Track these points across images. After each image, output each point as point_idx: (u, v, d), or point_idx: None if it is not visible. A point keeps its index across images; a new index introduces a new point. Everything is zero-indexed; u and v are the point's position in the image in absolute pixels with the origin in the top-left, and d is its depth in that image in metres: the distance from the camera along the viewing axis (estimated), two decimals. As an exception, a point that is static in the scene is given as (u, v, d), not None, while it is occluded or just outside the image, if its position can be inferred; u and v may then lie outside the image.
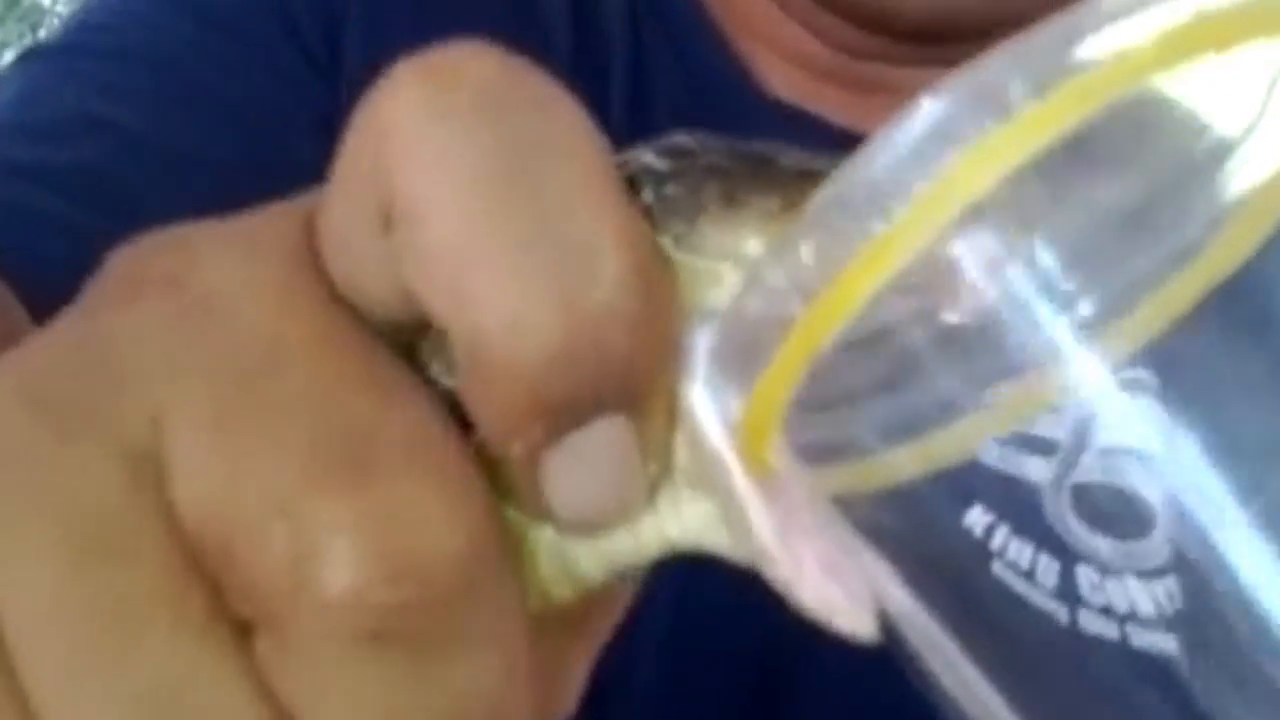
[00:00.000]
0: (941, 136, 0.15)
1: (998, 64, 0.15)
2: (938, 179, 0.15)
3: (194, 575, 0.17)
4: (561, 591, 0.19)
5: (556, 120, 0.18)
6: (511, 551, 0.18)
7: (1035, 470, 0.49)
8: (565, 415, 0.17)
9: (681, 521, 0.18)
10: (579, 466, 0.17)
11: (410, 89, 0.18)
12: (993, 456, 0.18)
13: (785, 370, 0.16)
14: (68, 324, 0.19)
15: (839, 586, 0.18)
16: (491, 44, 0.55)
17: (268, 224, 0.19)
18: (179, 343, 0.18)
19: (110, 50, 0.49)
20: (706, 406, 0.18)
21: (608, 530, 0.18)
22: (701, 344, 0.18)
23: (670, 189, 0.18)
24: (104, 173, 0.45)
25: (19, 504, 0.17)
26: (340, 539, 0.16)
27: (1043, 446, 0.51)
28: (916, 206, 0.15)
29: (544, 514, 0.18)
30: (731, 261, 0.18)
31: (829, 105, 0.53)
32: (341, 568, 0.16)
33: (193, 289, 0.18)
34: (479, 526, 0.17)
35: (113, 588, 0.17)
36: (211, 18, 0.50)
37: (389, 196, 0.18)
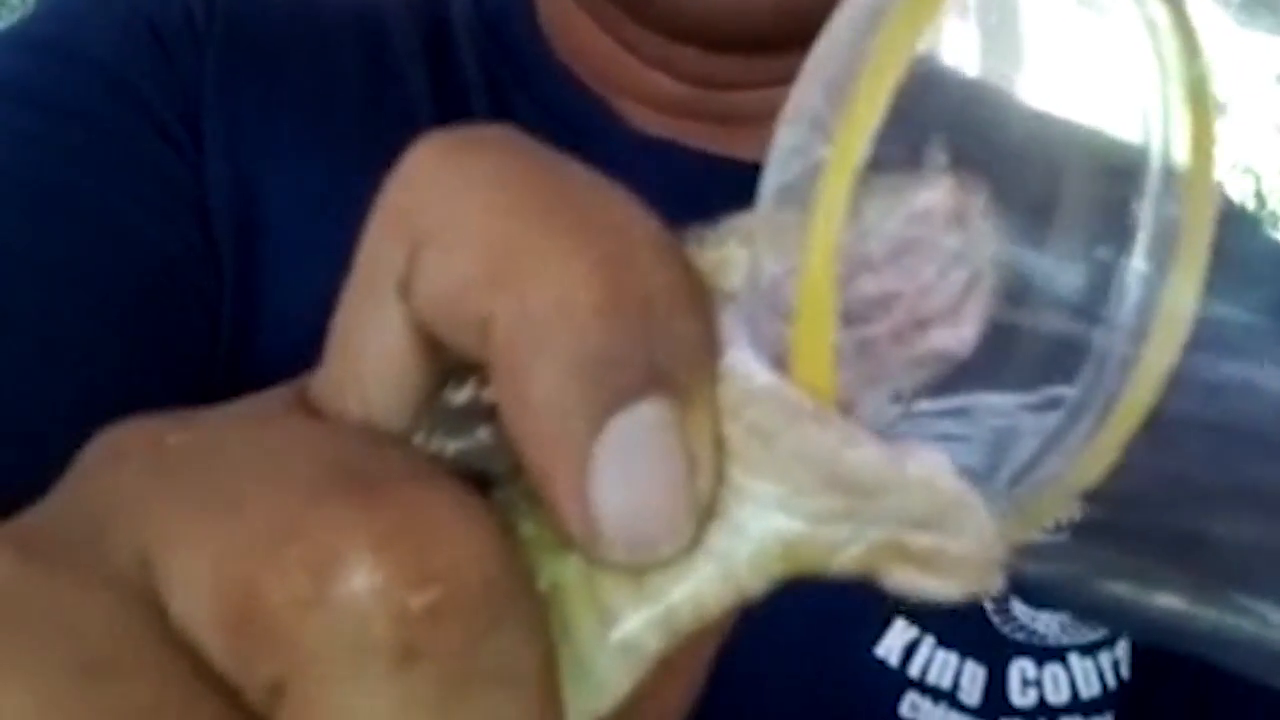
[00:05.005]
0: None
1: None
2: None
3: (202, 684, 0.16)
4: (610, 671, 0.18)
5: (572, 161, 0.19)
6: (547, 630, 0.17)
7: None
8: (611, 396, 0.17)
9: (749, 549, 0.18)
10: (624, 455, 0.17)
11: (428, 149, 0.18)
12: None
13: (832, 204, 0.16)
14: (53, 494, 0.19)
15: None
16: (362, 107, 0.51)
17: (245, 401, 0.20)
18: (160, 487, 0.18)
19: None
20: (751, 362, 0.17)
21: (656, 558, 0.17)
22: (730, 325, 0.18)
23: None
24: None
25: (3, 638, 0.16)
26: (359, 542, 0.16)
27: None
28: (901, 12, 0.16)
29: (587, 532, 0.17)
30: (738, 237, 0.18)
31: (694, 140, 0.53)
32: (365, 570, 0.16)
33: (166, 443, 0.18)
34: (496, 544, 0.17)
35: (118, 703, 0.16)
36: (67, 113, 0.48)
37: (414, 231, 0.18)
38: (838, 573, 0.18)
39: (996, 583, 0.17)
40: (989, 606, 0.49)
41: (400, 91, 0.52)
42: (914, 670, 0.48)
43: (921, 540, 0.17)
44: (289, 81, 0.52)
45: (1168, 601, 0.18)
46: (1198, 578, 0.18)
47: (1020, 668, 0.49)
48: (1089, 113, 0.19)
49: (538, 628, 0.17)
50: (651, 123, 0.53)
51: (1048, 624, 0.49)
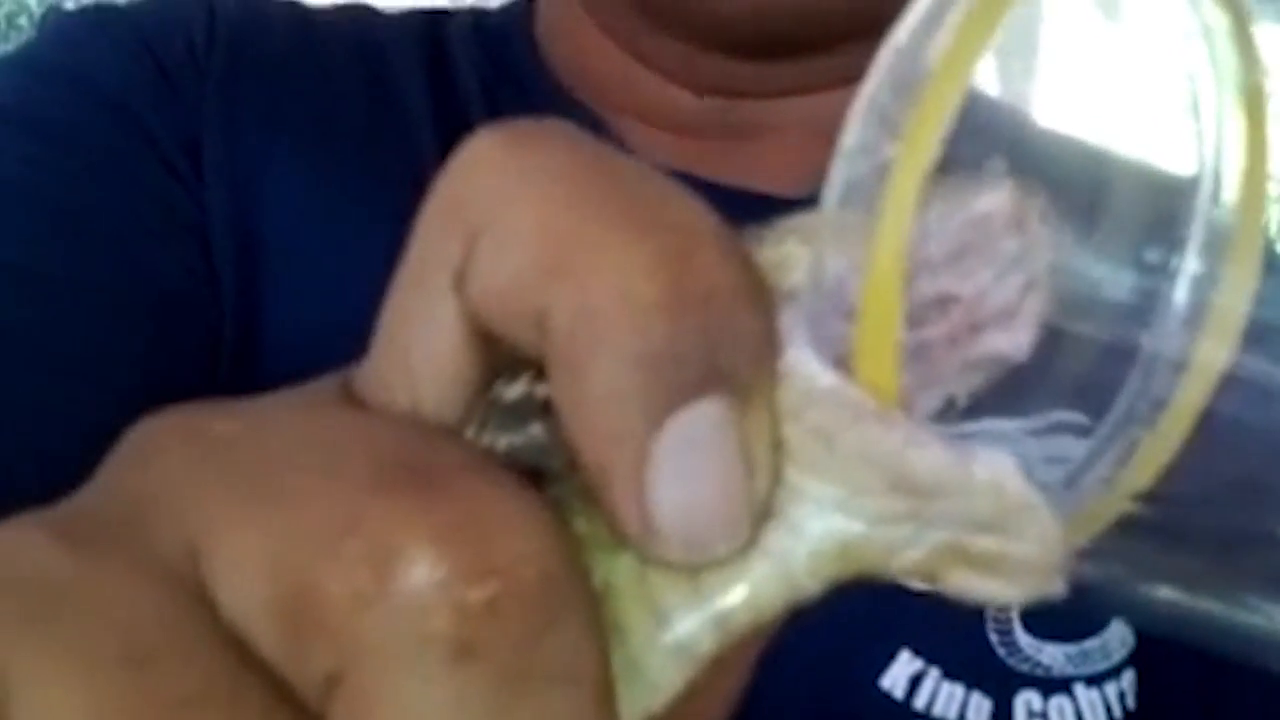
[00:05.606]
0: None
1: None
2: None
3: (250, 675, 0.16)
4: (662, 671, 0.18)
5: (628, 157, 0.18)
6: (600, 626, 0.17)
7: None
8: (671, 393, 0.16)
9: (806, 550, 0.17)
10: (683, 453, 0.16)
11: (483, 142, 0.18)
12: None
13: (902, 202, 0.16)
14: (91, 485, 0.19)
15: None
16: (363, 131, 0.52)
17: (284, 393, 0.19)
18: (206, 476, 0.17)
19: None
20: (813, 362, 0.17)
21: (711, 558, 0.17)
22: (790, 324, 0.17)
23: None
24: None
25: (48, 628, 0.16)
26: (419, 536, 0.16)
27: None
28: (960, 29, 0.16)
29: (642, 530, 0.17)
30: (798, 236, 0.18)
31: (699, 164, 0.51)
32: (426, 563, 0.16)
33: (210, 433, 0.18)
34: (556, 540, 0.16)
35: (165, 693, 0.16)
36: (70, 138, 0.49)
37: (470, 224, 0.17)
38: (896, 575, 0.17)
39: (1058, 587, 0.17)
40: (994, 638, 0.49)
41: (400, 113, 0.53)
42: (919, 703, 0.48)
43: (983, 543, 0.17)
44: (289, 106, 0.52)
45: (1216, 604, 0.18)
46: (1249, 579, 0.18)
47: (1026, 700, 0.48)
48: (1138, 119, 0.19)
49: (595, 626, 0.17)
50: (657, 147, 0.53)
51: (1053, 655, 0.49)
